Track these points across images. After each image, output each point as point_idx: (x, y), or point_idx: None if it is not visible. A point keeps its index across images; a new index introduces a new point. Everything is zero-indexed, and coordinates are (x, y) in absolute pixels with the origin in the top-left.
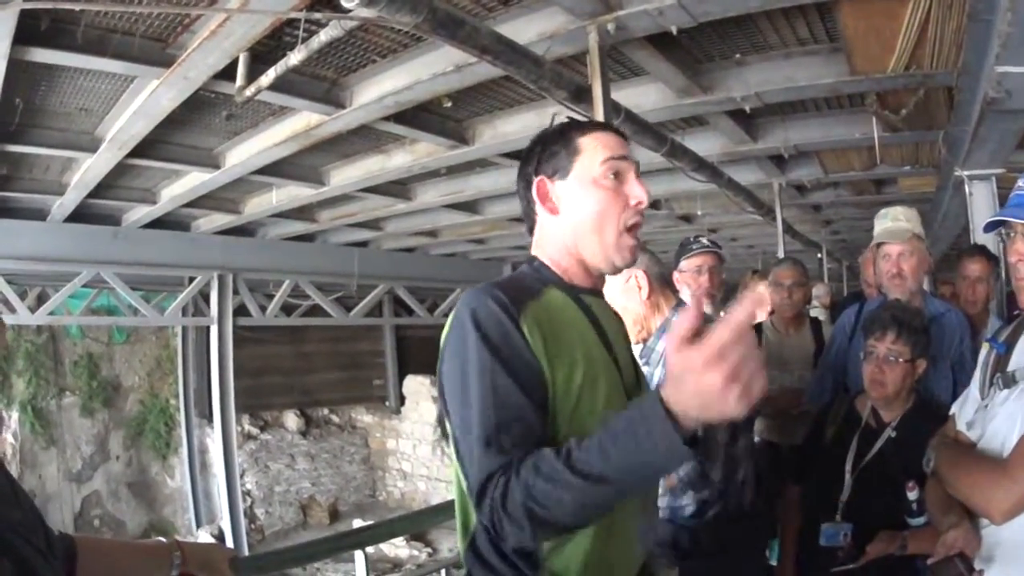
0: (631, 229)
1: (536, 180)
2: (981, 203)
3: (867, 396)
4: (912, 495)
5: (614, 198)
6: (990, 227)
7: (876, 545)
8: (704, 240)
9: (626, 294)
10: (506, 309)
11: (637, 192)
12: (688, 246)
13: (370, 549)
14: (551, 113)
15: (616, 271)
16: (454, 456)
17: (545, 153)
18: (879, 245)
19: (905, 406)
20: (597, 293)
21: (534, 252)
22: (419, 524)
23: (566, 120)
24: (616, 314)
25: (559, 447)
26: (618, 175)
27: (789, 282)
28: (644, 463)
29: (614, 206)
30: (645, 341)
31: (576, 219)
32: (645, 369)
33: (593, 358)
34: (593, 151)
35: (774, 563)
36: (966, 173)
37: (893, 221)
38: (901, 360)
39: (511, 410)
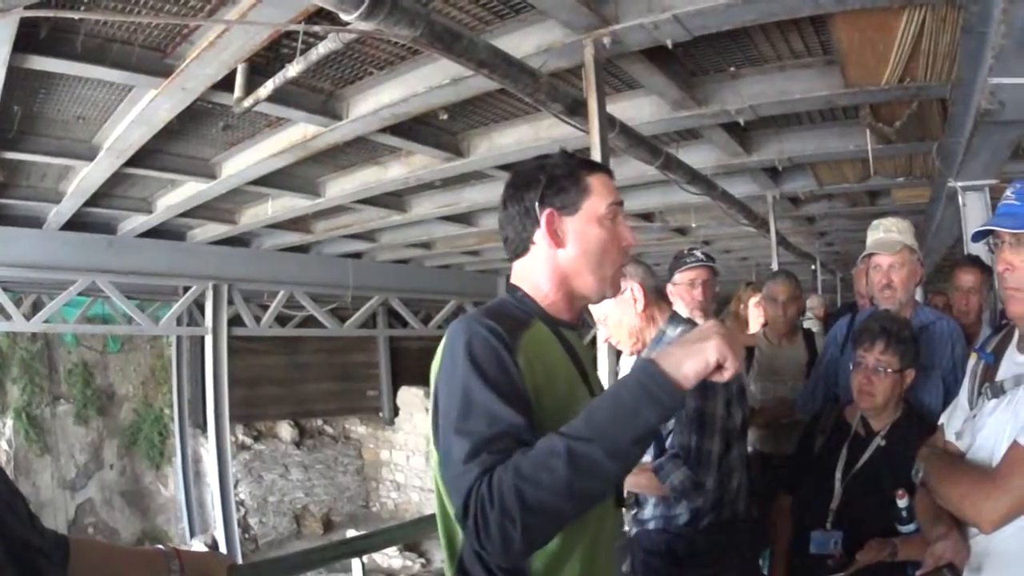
0: (620, 267)
1: (546, 212)
2: (975, 214)
3: (856, 405)
4: (902, 503)
5: (613, 238)
6: (978, 236)
7: (866, 553)
8: (698, 253)
9: (621, 306)
10: (500, 338)
11: (628, 235)
12: (682, 259)
13: (364, 558)
14: (546, 127)
15: (599, 301)
16: (440, 482)
17: (553, 186)
18: (870, 256)
19: (894, 415)
20: (573, 327)
21: (517, 282)
22: (417, 533)
23: (569, 154)
24: (586, 346)
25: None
26: (615, 218)
27: (784, 298)
28: (630, 406)
29: (613, 245)
30: (639, 352)
31: (578, 254)
32: None
33: (575, 391)
34: (601, 193)
35: (766, 572)
36: (960, 184)
37: (885, 232)
38: (890, 371)
39: (499, 426)
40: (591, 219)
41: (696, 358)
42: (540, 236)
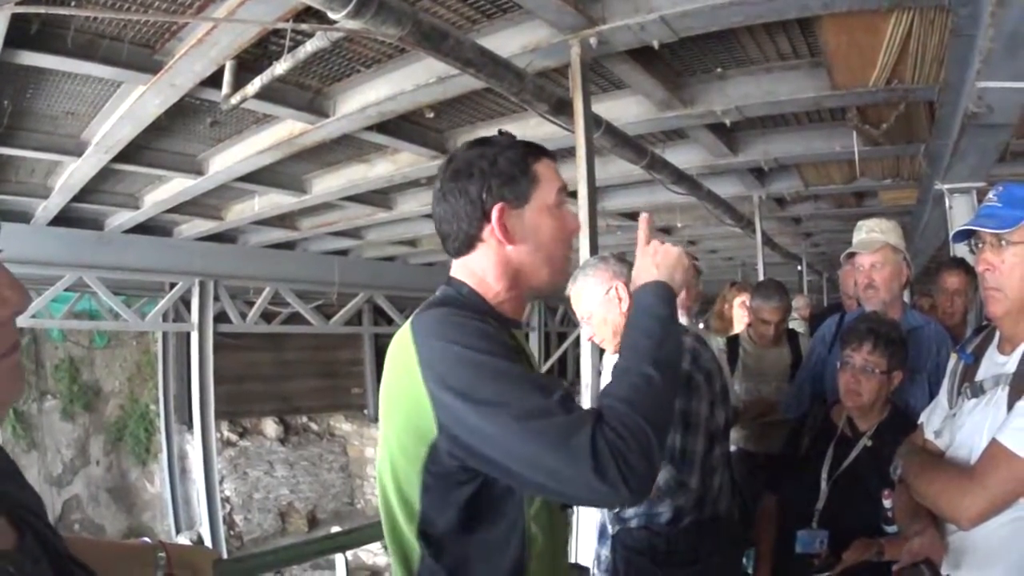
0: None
1: (496, 206)
2: (961, 216)
3: (843, 406)
4: (887, 503)
5: (563, 226)
6: (959, 237)
7: (852, 552)
8: None
9: (606, 305)
10: (478, 322)
11: (573, 221)
12: None
13: (349, 555)
14: (532, 125)
15: (551, 292)
16: (405, 503)
17: (501, 177)
18: (852, 256)
19: (881, 416)
20: (519, 326)
21: (460, 276)
22: None
23: (512, 137)
24: (528, 346)
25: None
26: (560, 205)
27: (776, 319)
28: (657, 316)
29: (564, 233)
30: None
31: (531, 247)
32: None
33: None
34: (548, 180)
35: (751, 572)
36: (946, 186)
37: (868, 233)
38: (877, 371)
39: (553, 386)
40: (542, 210)
41: (684, 274)
42: (489, 233)
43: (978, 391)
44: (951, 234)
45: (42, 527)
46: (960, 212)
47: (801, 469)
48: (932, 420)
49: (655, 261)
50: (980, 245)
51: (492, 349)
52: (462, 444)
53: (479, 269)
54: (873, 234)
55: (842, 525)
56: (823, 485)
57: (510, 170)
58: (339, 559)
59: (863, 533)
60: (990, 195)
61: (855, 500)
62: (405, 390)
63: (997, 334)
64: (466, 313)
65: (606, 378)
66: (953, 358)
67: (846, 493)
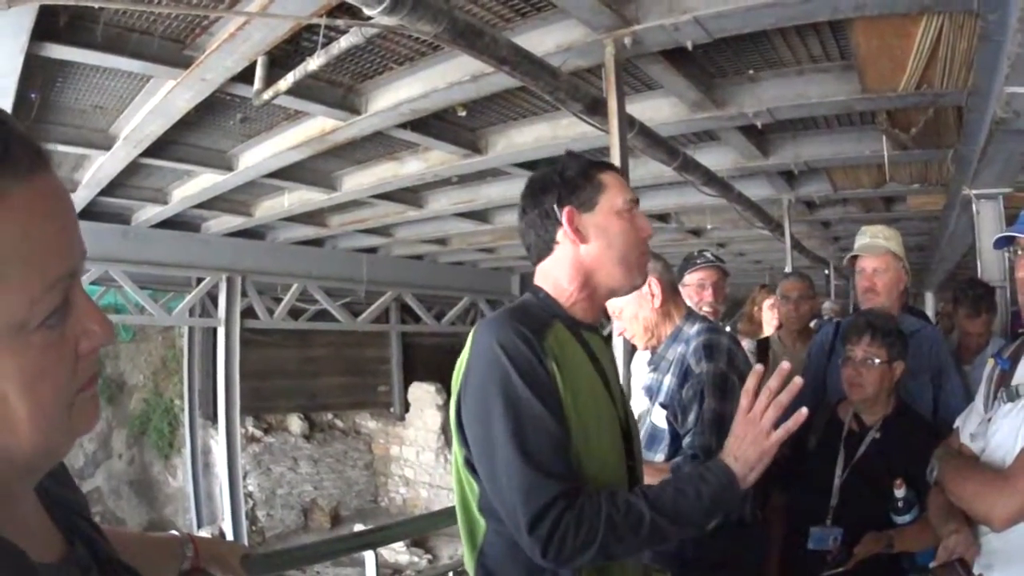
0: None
1: (565, 210)
2: (988, 222)
3: (848, 403)
4: (899, 492)
5: (634, 229)
6: (1000, 244)
7: (863, 546)
8: (708, 254)
9: (638, 301)
10: (530, 343)
11: (646, 226)
12: (692, 260)
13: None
14: (564, 125)
15: (628, 292)
16: (469, 481)
17: (569, 186)
18: (854, 259)
19: (886, 409)
20: (595, 329)
21: (540, 283)
22: (431, 527)
23: (577, 154)
24: (608, 347)
25: (631, 491)
26: (631, 210)
27: (795, 295)
28: (707, 505)
29: (636, 235)
30: (655, 349)
31: (602, 247)
32: (652, 376)
33: (596, 393)
34: (616, 188)
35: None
36: (974, 192)
37: (871, 238)
38: (877, 362)
39: (554, 440)
40: (610, 213)
41: (758, 471)
42: (562, 235)
43: (1014, 395)
44: (978, 240)
45: (91, 531)
46: (987, 218)
47: (811, 468)
48: (968, 424)
49: (758, 451)
50: (1019, 252)
51: (524, 375)
52: (467, 443)
53: (555, 272)
54: (877, 239)
55: (855, 519)
56: (836, 481)
57: (576, 179)
58: (369, 556)
59: (876, 525)
60: None
61: (866, 493)
62: (455, 383)
63: None
64: (518, 327)
65: (636, 377)
66: (990, 363)
67: (857, 487)
